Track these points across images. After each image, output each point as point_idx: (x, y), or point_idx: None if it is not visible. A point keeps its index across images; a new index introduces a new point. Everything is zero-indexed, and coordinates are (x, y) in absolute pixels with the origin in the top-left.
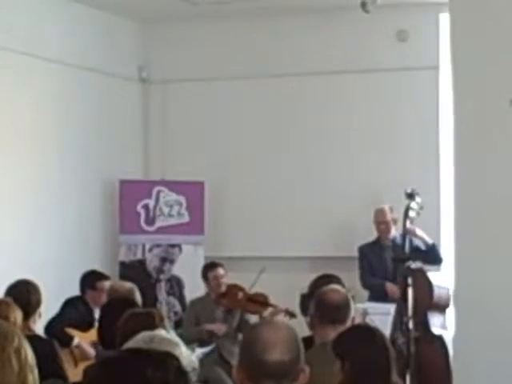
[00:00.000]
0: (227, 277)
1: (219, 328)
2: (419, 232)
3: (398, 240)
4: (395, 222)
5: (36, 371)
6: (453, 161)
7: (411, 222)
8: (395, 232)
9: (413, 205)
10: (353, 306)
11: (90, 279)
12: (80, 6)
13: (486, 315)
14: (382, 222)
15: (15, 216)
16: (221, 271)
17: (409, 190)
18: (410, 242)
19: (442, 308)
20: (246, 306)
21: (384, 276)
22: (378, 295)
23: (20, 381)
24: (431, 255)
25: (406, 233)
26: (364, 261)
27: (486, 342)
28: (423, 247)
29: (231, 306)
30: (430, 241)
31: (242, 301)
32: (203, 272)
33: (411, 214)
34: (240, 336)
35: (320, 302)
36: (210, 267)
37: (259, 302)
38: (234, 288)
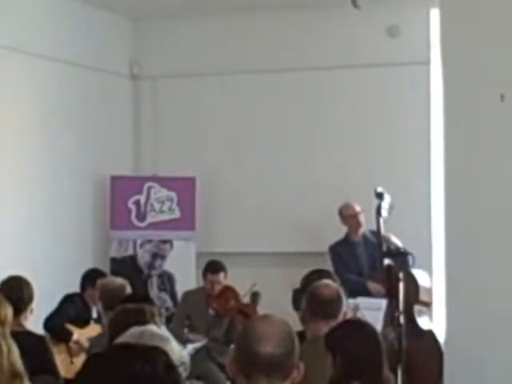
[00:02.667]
0: (225, 280)
1: (200, 340)
2: (394, 240)
3: (369, 236)
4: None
5: (19, 358)
6: (443, 156)
7: (384, 222)
8: (363, 228)
9: (384, 204)
10: (345, 300)
11: (92, 277)
12: (71, 2)
13: (477, 312)
14: (353, 215)
15: (6, 212)
16: (220, 278)
17: (378, 190)
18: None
19: (426, 305)
20: (234, 316)
21: (359, 274)
22: (357, 292)
23: (9, 363)
24: (400, 259)
25: (381, 239)
26: (337, 260)
27: (478, 338)
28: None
29: (221, 311)
30: (401, 247)
31: (231, 310)
32: (204, 270)
33: (383, 213)
34: (229, 343)
35: (312, 297)
36: (211, 270)
37: (248, 315)
38: (227, 292)
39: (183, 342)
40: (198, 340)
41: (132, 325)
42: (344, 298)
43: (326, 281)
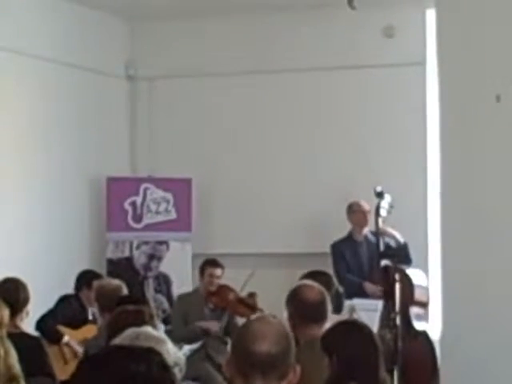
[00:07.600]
0: (221, 279)
1: (214, 325)
2: (391, 231)
3: (371, 237)
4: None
5: (16, 361)
6: (439, 156)
7: (383, 221)
8: (367, 229)
9: (383, 203)
10: (328, 297)
11: (87, 278)
12: (67, 4)
13: (473, 312)
14: (362, 212)
15: (2, 214)
16: (219, 272)
17: (378, 189)
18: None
19: (422, 305)
20: (234, 307)
21: (360, 273)
22: (354, 292)
23: (6, 366)
24: (402, 254)
25: (379, 233)
26: (338, 258)
27: (474, 338)
28: (394, 245)
29: (220, 304)
30: (401, 240)
31: (231, 302)
32: (202, 266)
33: (382, 212)
34: (227, 338)
35: (298, 302)
36: (210, 263)
37: (248, 305)
38: (224, 288)
39: (192, 336)
40: (210, 327)
41: (130, 326)
42: (327, 294)
43: (307, 281)
